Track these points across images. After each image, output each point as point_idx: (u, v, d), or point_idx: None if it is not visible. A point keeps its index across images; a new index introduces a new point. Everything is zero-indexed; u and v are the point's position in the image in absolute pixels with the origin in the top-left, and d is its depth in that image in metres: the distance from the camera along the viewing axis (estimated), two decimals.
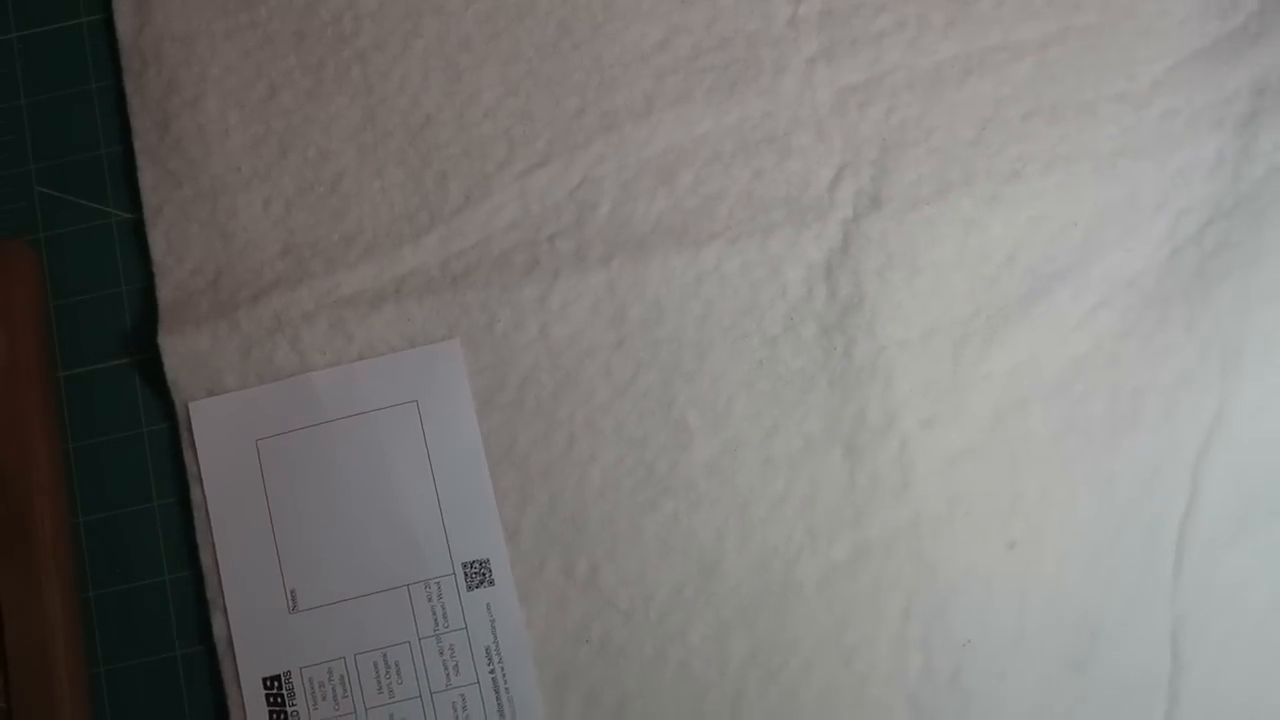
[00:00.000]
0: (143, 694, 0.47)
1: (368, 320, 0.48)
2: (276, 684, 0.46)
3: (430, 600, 0.47)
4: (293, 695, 0.46)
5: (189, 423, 0.48)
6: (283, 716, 0.46)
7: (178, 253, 0.49)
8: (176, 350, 0.48)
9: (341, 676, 0.46)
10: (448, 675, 0.46)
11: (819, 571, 0.46)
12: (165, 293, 0.49)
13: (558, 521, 0.47)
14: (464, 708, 0.46)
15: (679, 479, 0.47)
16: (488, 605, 0.47)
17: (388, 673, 0.46)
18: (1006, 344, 0.48)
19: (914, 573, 0.46)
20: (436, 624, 0.47)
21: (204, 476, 0.48)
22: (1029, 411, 0.47)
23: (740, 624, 0.46)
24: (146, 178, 0.50)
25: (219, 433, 0.48)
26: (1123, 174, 0.49)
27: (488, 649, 0.46)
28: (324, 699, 0.46)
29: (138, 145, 0.50)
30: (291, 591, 0.47)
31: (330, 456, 0.47)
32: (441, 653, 0.46)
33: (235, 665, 0.46)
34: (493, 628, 0.46)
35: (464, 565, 0.47)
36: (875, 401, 0.47)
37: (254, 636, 0.47)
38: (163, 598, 0.48)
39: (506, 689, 0.46)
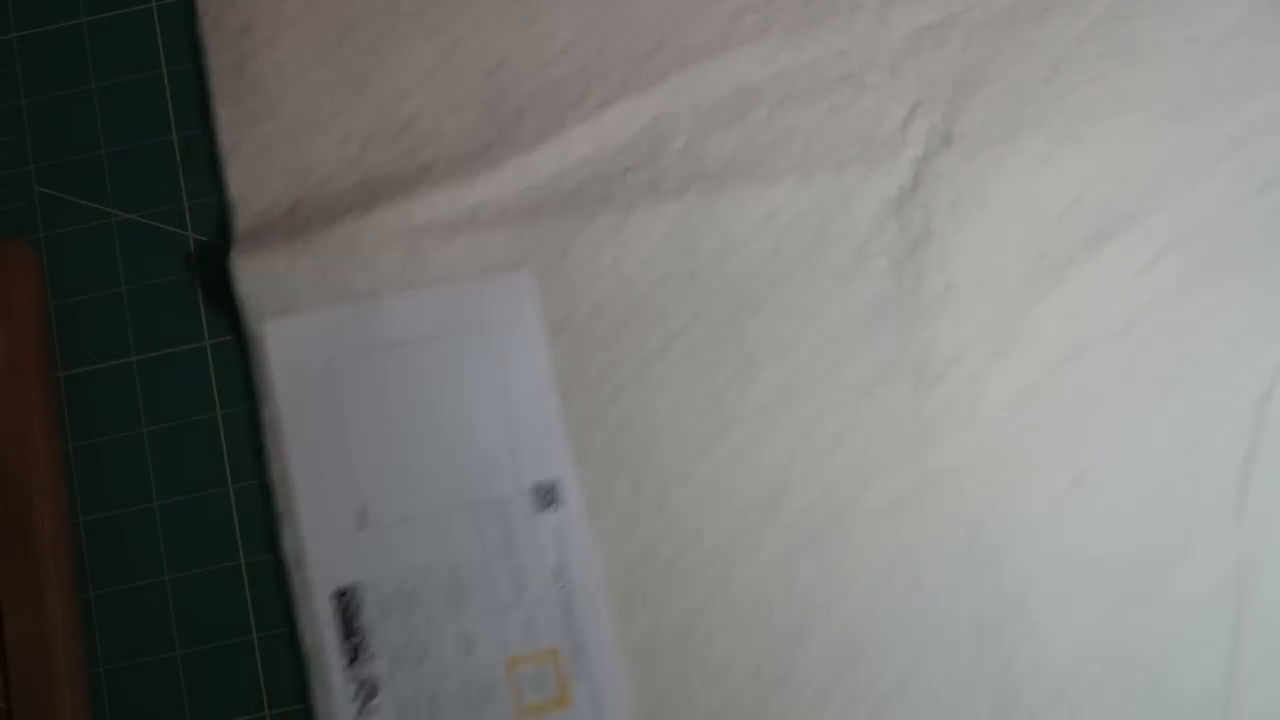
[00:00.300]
0: (143, 694, 0.47)
1: (442, 248, 0.49)
2: (347, 595, 0.47)
3: (499, 520, 0.47)
4: (362, 609, 0.47)
5: (262, 343, 0.48)
6: (353, 628, 0.47)
7: (256, 189, 0.50)
8: (251, 271, 0.48)
9: (411, 591, 0.47)
10: (516, 593, 0.47)
11: (886, 500, 0.47)
12: (242, 224, 0.49)
13: (627, 445, 0.48)
14: (531, 624, 0.46)
15: (748, 406, 0.47)
16: (556, 526, 0.47)
17: (456, 590, 0.47)
18: (1073, 283, 0.48)
19: (980, 503, 0.47)
20: (505, 543, 0.47)
21: (277, 396, 0.48)
22: (1094, 350, 0.48)
23: (808, 548, 0.46)
24: (222, 117, 0.50)
25: (292, 353, 0.48)
26: (1194, 119, 0.49)
27: (556, 569, 0.47)
28: (393, 613, 0.47)
29: (213, 85, 0.51)
30: (363, 507, 0.47)
31: (402, 379, 0.48)
32: (510, 571, 0.47)
33: (306, 579, 0.47)
34: (561, 548, 0.47)
35: (533, 487, 0.47)
36: (944, 335, 0.48)
37: (325, 551, 0.47)
38: (163, 598, 0.48)
39: (574, 608, 0.46)
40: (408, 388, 0.48)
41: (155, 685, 0.47)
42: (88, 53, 0.52)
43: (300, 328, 0.48)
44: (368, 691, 0.46)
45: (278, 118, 0.50)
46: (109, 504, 0.49)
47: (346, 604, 0.47)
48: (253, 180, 0.50)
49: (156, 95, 0.51)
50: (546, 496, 0.47)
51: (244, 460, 0.49)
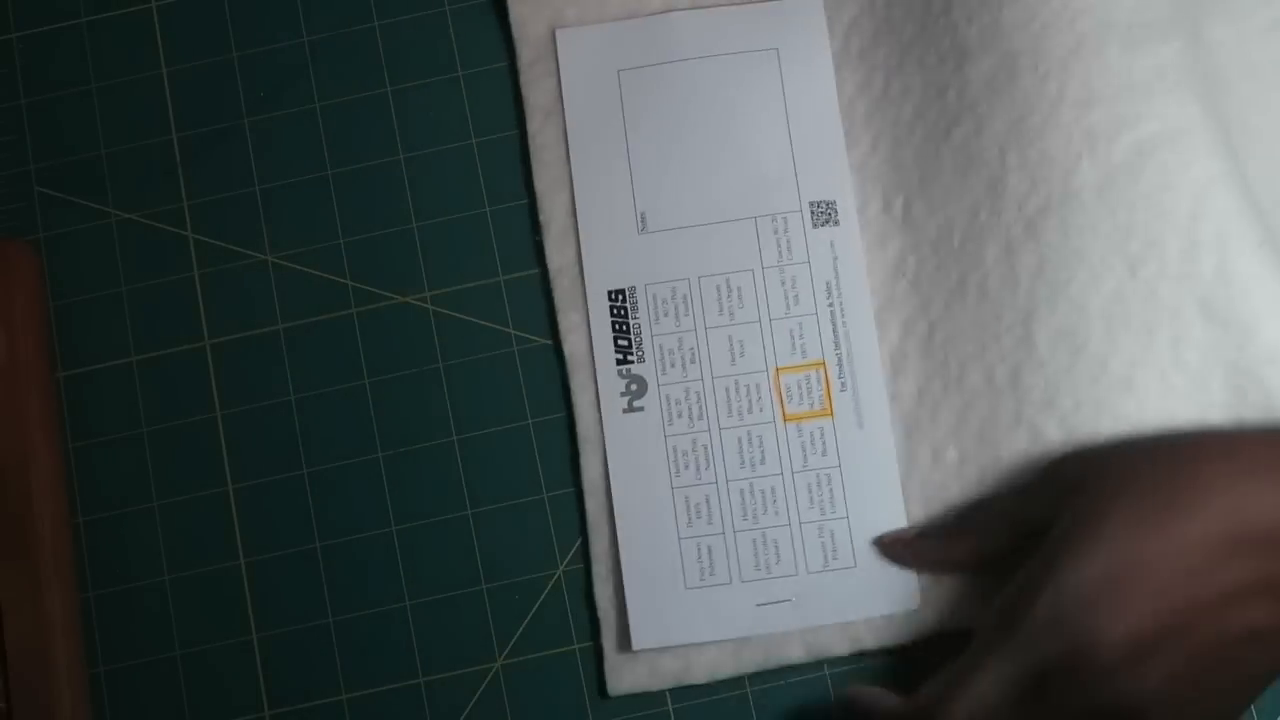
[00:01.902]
0: (142, 694, 0.47)
1: None
2: (620, 297, 0.48)
3: (776, 233, 0.48)
4: (635, 309, 0.48)
5: (538, 54, 0.50)
6: (625, 327, 0.48)
7: None
8: None
9: (684, 296, 0.48)
10: (787, 304, 0.48)
11: (1099, 177, 0.44)
12: None
13: (877, 162, 0.49)
14: (800, 336, 0.48)
15: (964, 102, 0.47)
16: (831, 243, 0.48)
17: (729, 296, 0.48)
18: None
19: (1202, 170, 0.43)
20: (780, 256, 0.48)
21: (565, 102, 0.50)
22: None
23: (1027, 239, 0.45)
24: None
25: (582, 61, 0.50)
26: None
27: (828, 283, 0.48)
28: (665, 315, 0.48)
29: None
30: (642, 214, 0.49)
31: (688, 93, 0.49)
32: (783, 283, 0.48)
33: (579, 283, 0.49)
34: (834, 265, 0.48)
35: (811, 204, 0.48)
36: None
37: (602, 253, 0.49)
38: (163, 598, 0.48)
39: (844, 321, 0.48)
40: (693, 101, 0.49)
41: (155, 685, 0.47)
42: (88, 53, 0.52)
43: (590, 37, 0.50)
44: (637, 389, 0.47)
45: None
46: (109, 504, 0.49)
47: (621, 304, 0.48)
48: None
49: (156, 95, 0.51)
50: (823, 214, 0.48)
51: (243, 460, 0.49)
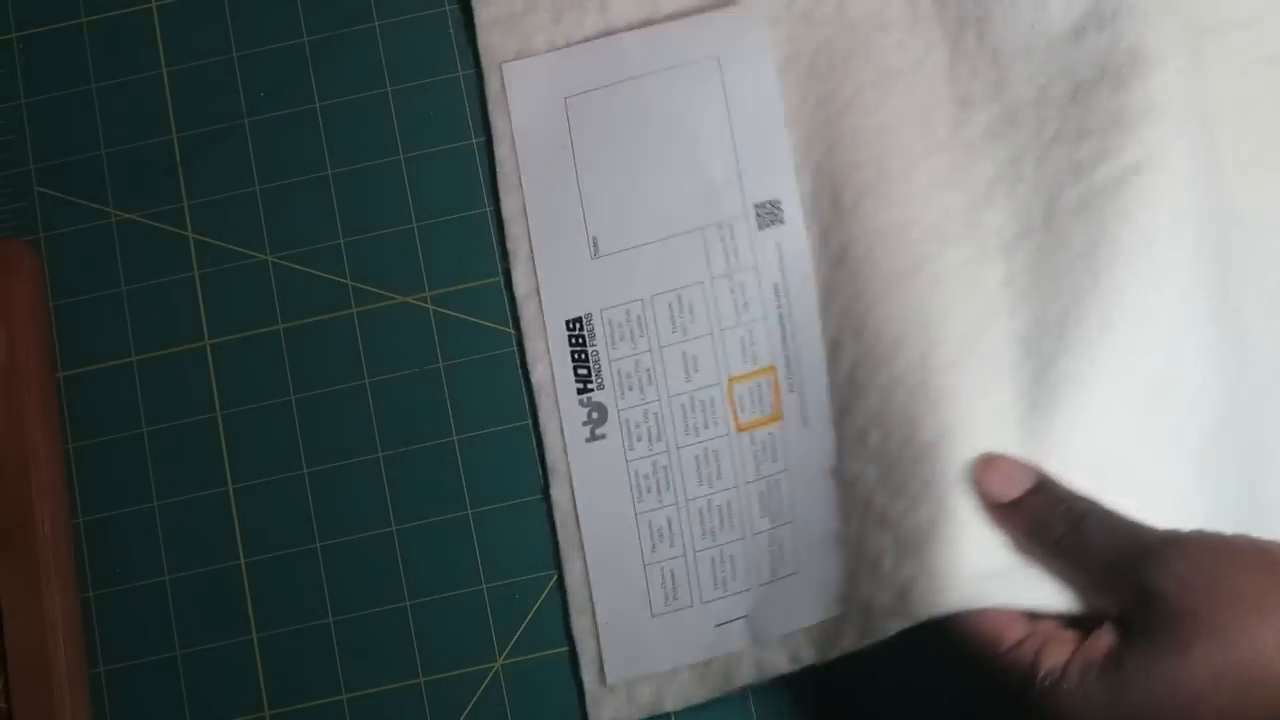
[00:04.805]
0: (143, 694, 0.47)
1: None
2: (579, 325, 0.48)
3: (722, 241, 0.48)
4: (593, 336, 0.48)
5: (501, 83, 0.50)
6: (584, 356, 0.48)
7: None
8: (490, 13, 0.50)
9: (639, 317, 0.48)
10: (737, 312, 0.48)
11: (1077, 202, 0.45)
12: None
13: (834, 163, 0.48)
14: (751, 343, 0.48)
15: (959, 140, 0.47)
16: (777, 243, 0.48)
17: (681, 312, 0.48)
18: None
19: (1176, 195, 0.44)
20: (728, 263, 0.48)
21: (515, 134, 0.50)
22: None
23: (999, 259, 0.45)
24: None
25: (530, 91, 0.50)
26: None
27: (776, 286, 0.48)
28: (622, 339, 0.48)
29: None
30: (594, 239, 0.49)
31: (634, 111, 0.50)
32: (732, 291, 0.48)
33: (539, 311, 0.49)
34: (781, 265, 0.48)
35: (756, 206, 0.48)
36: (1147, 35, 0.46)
37: (558, 282, 0.49)
38: (163, 598, 0.48)
39: (790, 319, 0.48)
40: (639, 119, 0.49)
41: (155, 685, 0.47)
42: (88, 53, 0.52)
43: (537, 67, 0.50)
44: (598, 416, 0.48)
45: None
46: (109, 504, 0.49)
47: (579, 333, 0.48)
48: None
49: (156, 95, 0.51)
50: (769, 215, 0.48)
51: (243, 460, 0.49)
